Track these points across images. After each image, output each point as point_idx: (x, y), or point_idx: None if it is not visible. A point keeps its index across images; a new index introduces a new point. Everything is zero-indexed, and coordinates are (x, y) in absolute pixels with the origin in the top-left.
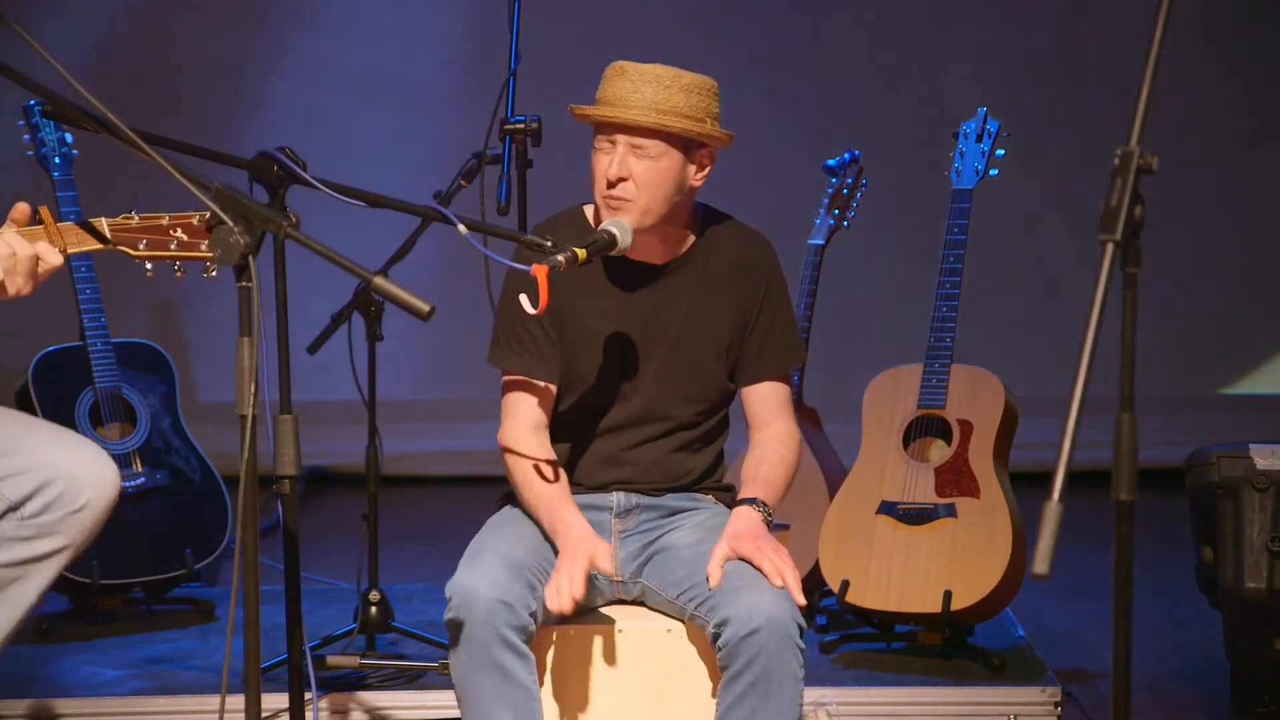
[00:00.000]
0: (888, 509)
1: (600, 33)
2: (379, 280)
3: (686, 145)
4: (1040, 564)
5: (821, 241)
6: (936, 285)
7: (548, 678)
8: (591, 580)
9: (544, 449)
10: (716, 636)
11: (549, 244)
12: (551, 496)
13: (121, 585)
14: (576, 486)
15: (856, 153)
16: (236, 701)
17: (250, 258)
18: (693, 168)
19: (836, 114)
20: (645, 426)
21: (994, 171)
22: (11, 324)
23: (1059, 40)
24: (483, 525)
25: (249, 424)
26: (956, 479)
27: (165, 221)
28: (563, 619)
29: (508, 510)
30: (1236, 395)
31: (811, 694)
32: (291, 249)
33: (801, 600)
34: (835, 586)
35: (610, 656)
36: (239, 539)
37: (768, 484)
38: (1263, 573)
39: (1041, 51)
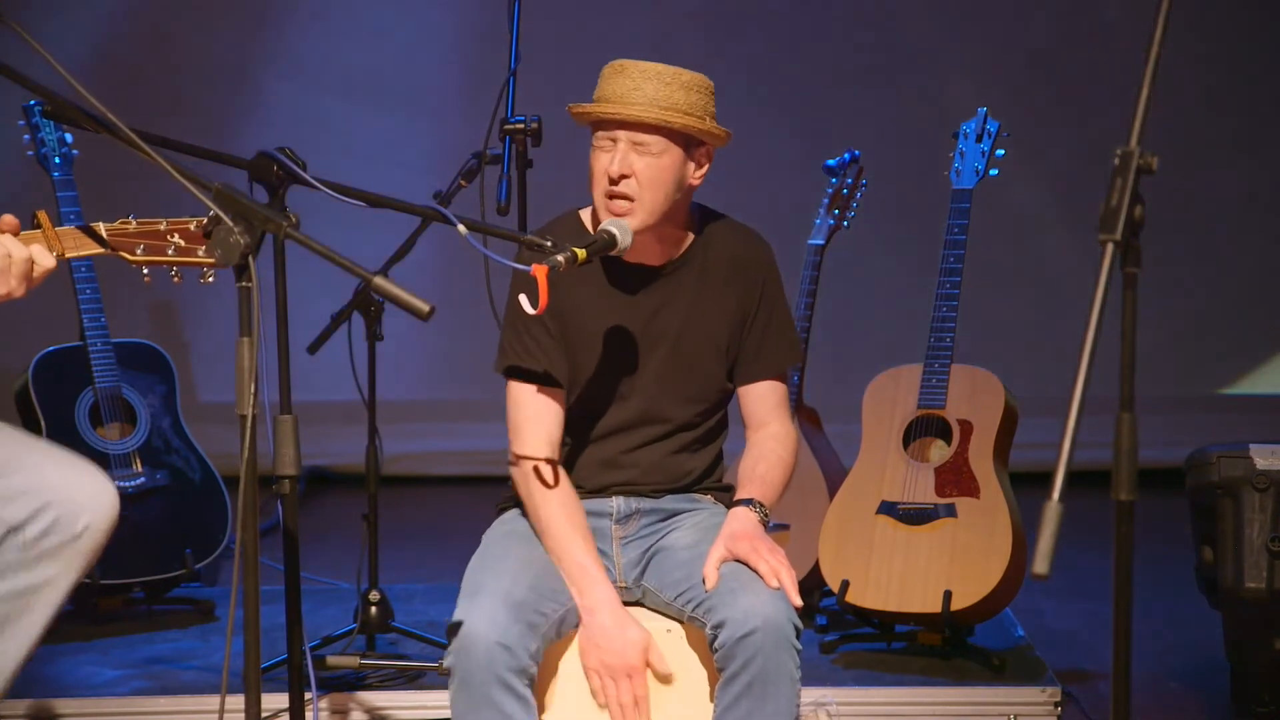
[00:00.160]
0: (888, 509)
1: (600, 33)
2: (379, 280)
3: (687, 142)
4: (1040, 564)
5: (821, 241)
6: (936, 285)
7: (548, 677)
8: None
9: (560, 475)
10: (714, 638)
11: (549, 244)
12: (572, 546)
13: (121, 585)
14: (576, 489)
15: (856, 153)
16: (236, 701)
17: (250, 258)
18: (692, 165)
19: (836, 114)
20: (645, 428)
21: (994, 171)
22: (11, 324)
23: (1059, 40)
24: (482, 531)
25: (249, 424)
26: (956, 479)
27: (163, 227)
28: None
29: (509, 527)
30: (1236, 395)
31: (811, 694)
32: (291, 249)
33: (798, 601)
34: (835, 586)
35: None
36: (239, 539)
37: (765, 484)
38: (1263, 573)
39: (1041, 51)
